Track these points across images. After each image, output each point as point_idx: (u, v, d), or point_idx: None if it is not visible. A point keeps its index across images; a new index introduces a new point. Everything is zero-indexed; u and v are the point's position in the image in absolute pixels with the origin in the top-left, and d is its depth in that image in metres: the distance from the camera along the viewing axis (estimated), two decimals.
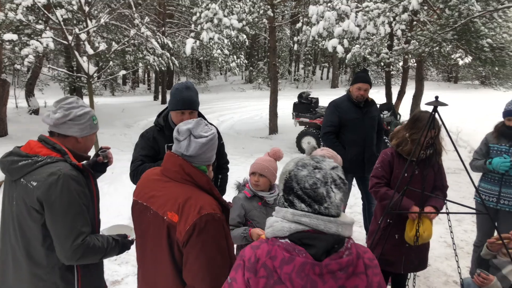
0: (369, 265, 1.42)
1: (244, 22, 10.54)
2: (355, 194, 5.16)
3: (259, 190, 2.91)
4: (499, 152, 3.81)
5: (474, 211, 3.74)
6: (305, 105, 10.35)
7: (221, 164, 3.24)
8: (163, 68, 14.47)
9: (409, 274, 3.46)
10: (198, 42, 10.31)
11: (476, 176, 3.93)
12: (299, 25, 10.01)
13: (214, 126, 3.01)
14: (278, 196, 1.54)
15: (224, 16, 9.36)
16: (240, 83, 33.81)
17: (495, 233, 3.85)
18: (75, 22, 11.72)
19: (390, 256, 3.22)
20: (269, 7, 11.42)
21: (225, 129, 13.59)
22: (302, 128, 10.52)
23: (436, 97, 2.69)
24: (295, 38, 10.92)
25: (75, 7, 10.03)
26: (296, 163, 1.46)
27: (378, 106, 8.62)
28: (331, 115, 4.71)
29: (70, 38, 8.29)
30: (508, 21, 9.20)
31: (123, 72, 9.87)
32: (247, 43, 13.14)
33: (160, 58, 13.64)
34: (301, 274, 1.31)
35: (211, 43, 10.39)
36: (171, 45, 15.01)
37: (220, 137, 3.06)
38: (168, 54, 13.93)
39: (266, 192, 2.93)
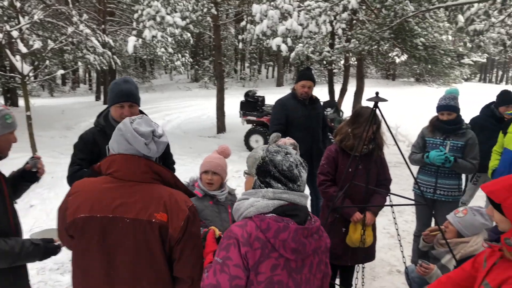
0: (323, 230, 1.76)
1: (187, 20, 10.40)
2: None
3: (212, 189, 2.88)
4: (434, 145, 4.02)
5: (414, 202, 3.95)
6: (251, 104, 10.41)
7: (168, 165, 3.19)
8: (104, 68, 13.96)
9: (356, 266, 3.56)
10: (140, 40, 10.03)
11: (415, 169, 4.15)
12: (243, 23, 10.03)
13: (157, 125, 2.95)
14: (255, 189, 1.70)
15: (167, 14, 9.18)
16: (186, 82, 33.38)
17: (433, 223, 4.10)
18: (6, 19, 11.01)
19: (337, 249, 3.30)
20: (212, 5, 11.35)
21: (171, 129, 13.36)
22: (250, 126, 10.57)
23: (377, 93, 2.78)
24: (240, 37, 10.94)
25: (6, 3, 9.43)
26: (267, 150, 1.69)
27: (321, 103, 8.85)
28: (279, 114, 4.76)
29: (0, 35, 7.79)
30: (439, 21, 9.77)
31: (61, 71, 9.40)
32: (191, 41, 12.99)
33: (101, 57, 13.13)
34: (296, 238, 1.56)
35: (154, 41, 10.16)
36: (112, 43, 14.51)
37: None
38: (109, 53, 13.44)
39: (217, 190, 2.91)
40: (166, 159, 3.09)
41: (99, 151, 2.79)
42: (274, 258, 1.55)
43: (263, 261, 1.53)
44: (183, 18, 10.34)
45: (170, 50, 11.62)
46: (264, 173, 1.65)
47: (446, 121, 3.91)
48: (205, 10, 11.39)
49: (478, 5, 7.25)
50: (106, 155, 2.26)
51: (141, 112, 2.85)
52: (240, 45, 11.46)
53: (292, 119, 4.69)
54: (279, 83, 30.81)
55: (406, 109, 16.99)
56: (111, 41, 14.32)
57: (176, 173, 3.35)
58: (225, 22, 23.75)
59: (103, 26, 18.77)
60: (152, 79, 34.43)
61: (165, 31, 9.91)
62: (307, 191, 5.27)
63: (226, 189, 2.97)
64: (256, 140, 10.15)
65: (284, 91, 5.21)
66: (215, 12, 11.73)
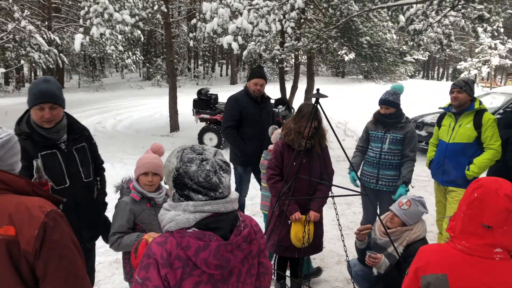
0: (257, 231, 1.65)
1: (137, 18, 10.24)
2: (256, 186, 5.38)
3: (152, 190, 2.84)
4: (376, 137, 4.27)
5: (354, 192, 4.17)
6: (205, 102, 10.43)
7: (98, 165, 3.07)
8: (51, 66, 13.47)
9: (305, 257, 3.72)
10: (88, 38, 9.79)
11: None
12: (194, 21, 10.02)
13: (85, 127, 2.89)
14: (172, 193, 1.57)
15: (115, 10, 9.00)
16: (138, 80, 32.66)
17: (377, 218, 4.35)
18: None
19: (284, 242, 3.41)
20: (162, 2, 11.25)
21: (123, 128, 13.11)
22: (203, 124, 10.59)
23: (318, 90, 2.90)
24: (191, 35, 10.93)
25: None
26: (180, 159, 1.51)
27: (273, 101, 9.03)
28: (231, 110, 4.83)
29: None
30: (382, 21, 10.22)
31: (2, 70, 9.00)
32: (142, 39, 12.79)
33: (46, 55, 12.66)
34: (217, 255, 1.45)
35: (103, 39, 9.95)
36: (59, 41, 14.03)
37: (91, 137, 2.94)
38: (55, 51, 12.99)
39: (155, 192, 2.86)
40: (95, 160, 2.99)
41: (31, 161, 2.46)
42: (197, 275, 1.46)
43: (185, 279, 1.44)
44: (133, 16, 10.18)
45: (121, 48, 11.43)
46: (181, 186, 1.51)
47: (386, 115, 4.17)
48: (155, 7, 11.26)
49: (417, 6, 7.69)
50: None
51: (67, 116, 2.73)
52: (192, 43, 11.42)
53: (244, 116, 4.78)
54: (233, 81, 30.87)
55: (355, 105, 17.58)
56: (57, 38, 13.85)
57: (128, 174, 3.30)
58: (177, 19, 23.49)
59: (47, 22, 18.03)
60: (102, 78, 33.38)
61: (114, 28, 9.72)
62: (258, 186, 5.41)
63: (164, 191, 2.93)
64: (210, 138, 10.19)
65: (238, 89, 5.29)
66: (166, 10, 11.62)
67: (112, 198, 3.03)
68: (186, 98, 16.05)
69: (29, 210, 1.50)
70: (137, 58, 13.34)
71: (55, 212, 1.55)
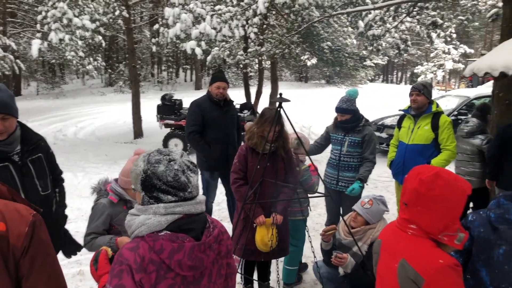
0: (224, 232, 1.67)
1: (98, 23, 10.05)
2: (223, 191, 5.38)
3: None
4: (336, 140, 4.38)
5: (319, 195, 4.24)
6: (169, 107, 10.33)
7: (56, 176, 2.94)
8: (6, 73, 12.95)
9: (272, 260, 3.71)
10: (46, 43, 9.50)
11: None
12: (156, 26, 9.92)
13: (41, 136, 2.80)
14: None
15: (75, 16, 8.81)
16: (100, 86, 31.91)
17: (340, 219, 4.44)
18: None
19: (250, 245, 3.40)
20: (124, 8, 11.09)
21: (85, 136, 12.79)
22: (168, 130, 10.49)
23: (280, 94, 2.92)
24: (154, 40, 10.82)
25: None
26: (148, 161, 1.52)
27: (238, 105, 9.06)
28: (194, 115, 4.82)
29: None
30: (343, 26, 10.50)
31: None
32: (104, 44, 12.54)
33: (2, 61, 12.18)
34: (192, 256, 1.46)
35: (62, 45, 9.68)
36: (15, 46, 13.52)
37: (48, 147, 2.83)
38: (11, 57, 12.50)
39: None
40: (53, 170, 2.88)
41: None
42: (171, 278, 1.46)
43: (159, 283, 1.44)
44: (93, 21, 9.99)
45: (81, 53, 11.14)
46: (150, 188, 1.50)
47: (344, 120, 4.30)
48: (116, 13, 11.10)
49: (375, 12, 7.96)
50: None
51: (21, 125, 2.61)
52: (154, 48, 11.30)
53: (207, 120, 4.78)
54: (198, 86, 30.71)
55: (318, 109, 17.89)
56: (13, 44, 13.34)
57: (91, 182, 3.23)
58: (139, 25, 23.17)
59: (2, 28, 17.38)
60: (62, 85, 32.38)
61: (74, 34, 9.49)
62: (223, 191, 5.42)
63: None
64: (175, 144, 10.11)
65: (203, 94, 5.29)
66: (127, 15, 11.47)
67: (90, 199, 2.94)
68: (150, 104, 15.85)
69: (18, 210, 1.56)
70: (99, 64, 13.04)
71: (38, 215, 1.61)
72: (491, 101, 6.15)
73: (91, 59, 12.06)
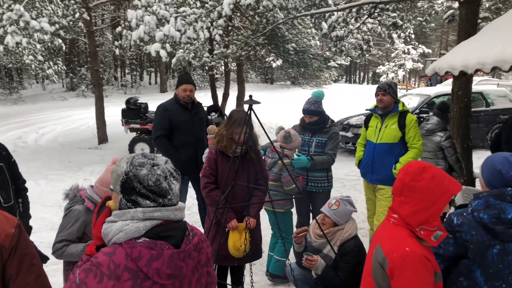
0: (203, 240, 1.63)
1: (57, 26, 9.74)
2: (193, 195, 5.32)
3: None
4: (304, 141, 4.41)
5: (290, 196, 4.26)
6: (134, 111, 10.15)
7: (19, 186, 2.84)
8: None
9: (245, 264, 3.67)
10: (2, 47, 9.12)
11: None
12: (119, 29, 9.72)
13: (2, 145, 2.69)
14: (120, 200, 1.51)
15: (32, 18, 8.48)
16: (61, 91, 30.89)
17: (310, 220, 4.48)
18: None
19: (223, 251, 3.35)
20: (84, 10, 10.81)
21: (46, 143, 12.36)
22: (134, 134, 10.30)
23: (250, 96, 2.91)
24: (117, 43, 10.61)
25: None
26: (131, 163, 1.48)
27: (205, 108, 8.99)
28: (161, 119, 4.74)
29: None
30: (307, 28, 10.64)
31: None
32: (64, 48, 12.18)
33: None
34: (171, 264, 1.41)
35: (20, 48, 9.33)
36: None
37: (9, 156, 2.73)
38: None
39: None
40: (16, 180, 2.79)
41: None
42: (148, 286, 1.40)
43: None
44: (52, 24, 9.67)
45: (40, 57, 10.78)
46: (129, 191, 1.46)
47: (311, 123, 4.35)
48: (76, 15, 10.79)
49: (338, 14, 8.11)
50: None
51: None
52: (117, 51, 11.08)
53: (175, 124, 4.71)
54: (163, 89, 30.32)
55: (285, 111, 18.05)
56: None
57: (55, 191, 3.13)
58: (100, 27, 22.65)
59: None
60: (21, 90, 31.12)
61: (32, 37, 9.16)
62: (195, 195, 5.36)
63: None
64: (142, 149, 9.93)
65: (168, 97, 5.19)
66: (88, 18, 11.18)
67: (54, 208, 2.83)
68: (114, 108, 15.52)
69: (2, 213, 1.60)
70: (59, 68, 12.66)
71: (20, 221, 1.65)
72: (451, 99, 6.40)
73: (51, 63, 11.70)
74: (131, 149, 9.92)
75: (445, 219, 2.09)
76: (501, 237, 1.89)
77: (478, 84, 15.01)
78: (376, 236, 1.99)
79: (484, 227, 1.92)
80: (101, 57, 29.04)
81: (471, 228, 1.96)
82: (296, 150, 4.39)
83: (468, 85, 6.08)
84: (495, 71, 3.69)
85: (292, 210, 4.42)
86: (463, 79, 5.67)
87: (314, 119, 4.31)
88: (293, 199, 4.33)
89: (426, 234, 1.78)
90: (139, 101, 10.47)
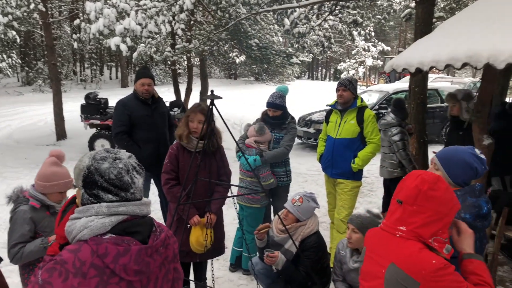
0: (170, 236, 1.63)
1: (10, 17, 9.31)
2: (155, 192, 5.25)
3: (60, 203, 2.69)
4: None
5: (253, 191, 4.28)
6: (94, 106, 9.87)
7: None
8: None
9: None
10: None
11: None
12: (77, 22, 9.41)
13: None
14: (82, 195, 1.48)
15: None
16: (17, 85, 29.53)
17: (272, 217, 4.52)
18: None
19: (185, 247, 3.34)
20: (39, 1, 10.38)
21: (1, 139, 11.82)
22: (94, 130, 10.03)
23: (212, 91, 2.92)
24: (75, 36, 10.26)
25: None
26: (93, 158, 1.47)
27: (168, 103, 8.87)
28: (120, 115, 4.64)
29: None
30: (269, 24, 10.70)
31: None
32: (19, 40, 11.67)
33: None
34: (139, 260, 1.39)
35: None
36: None
37: None
38: None
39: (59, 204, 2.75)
40: None
41: None
42: (114, 283, 1.38)
43: None
44: (5, 14, 9.25)
45: None
46: (90, 185, 1.45)
47: (272, 116, 4.39)
48: (31, 6, 10.35)
49: (300, 10, 8.21)
50: None
51: None
52: (76, 45, 10.72)
53: (135, 119, 4.62)
54: (124, 84, 29.63)
55: (249, 106, 18.09)
56: None
57: (10, 188, 3.02)
58: (58, 19, 21.82)
59: None
60: None
61: None
62: (155, 192, 5.30)
63: (66, 198, 2.80)
64: (102, 145, 9.69)
65: (129, 92, 5.09)
66: (44, 9, 10.74)
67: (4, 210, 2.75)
68: (73, 104, 15.06)
69: None
70: (14, 62, 12.11)
71: None
72: (408, 95, 6.62)
73: (5, 56, 11.16)
74: (91, 145, 9.67)
75: None
76: (479, 230, 2.01)
77: (434, 82, 15.60)
78: (379, 254, 1.83)
79: (469, 225, 1.95)
80: (59, 51, 28.02)
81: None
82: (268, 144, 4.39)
83: (424, 82, 6.30)
84: (449, 68, 3.84)
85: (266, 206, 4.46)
86: (419, 76, 5.87)
87: (278, 113, 4.35)
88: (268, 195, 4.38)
89: (439, 245, 1.71)
90: (99, 96, 10.20)
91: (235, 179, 4.22)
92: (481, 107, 4.46)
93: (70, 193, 2.44)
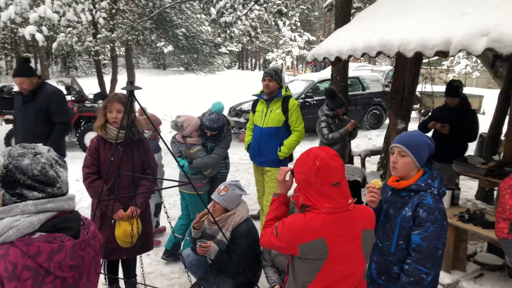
0: (95, 228, 1.60)
1: None
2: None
3: None
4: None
5: (181, 182, 4.25)
6: (9, 101, 9.16)
7: None
8: None
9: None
10: None
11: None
12: None
13: None
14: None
15: None
16: None
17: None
18: None
19: (111, 244, 3.22)
20: None
21: None
22: (10, 126, 9.34)
23: (131, 82, 2.78)
24: None
25: None
26: (8, 155, 1.39)
27: (92, 96, 8.49)
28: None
29: None
30: (196, 13, 10.57)
31: None
32: None
33: None
34: (74, 255, 1.37)
35: None
36: None
37: None
38: None
39: None
40: None
41: None
42: (50, 282, 1.34)
43: None
44: None
45: None
46: (11, 184, 1.37)
47: (211, 135, 4.35)
48: None
49: None
50: None
51: None
52: None
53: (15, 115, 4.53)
54: (44, 77, 27.79)
55: (178, 97, 17.81)
56: None
57: None
58: None
59: None
60: None
61: None
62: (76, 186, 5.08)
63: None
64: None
65: (50, 84, 4.73)
66: None
67: None
68: None
69: None
70: None
71: None
72: (331, 83, 6.91)
73: None
74: (7, 142, 9.00)
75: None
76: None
77: (356, 70, 16.36)
78: (346, 233, 1.95)
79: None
80: None
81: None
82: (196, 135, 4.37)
83: (345, 71, 6.61)
84: (365, 56, 4.06)
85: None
86: (340, 65, 6.14)
87: (215, 133, 4.34)
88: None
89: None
90: (14, 90, 9.49)
91: (167, 171, 4.15)
92: (395, 93, 4.79)
93: None
